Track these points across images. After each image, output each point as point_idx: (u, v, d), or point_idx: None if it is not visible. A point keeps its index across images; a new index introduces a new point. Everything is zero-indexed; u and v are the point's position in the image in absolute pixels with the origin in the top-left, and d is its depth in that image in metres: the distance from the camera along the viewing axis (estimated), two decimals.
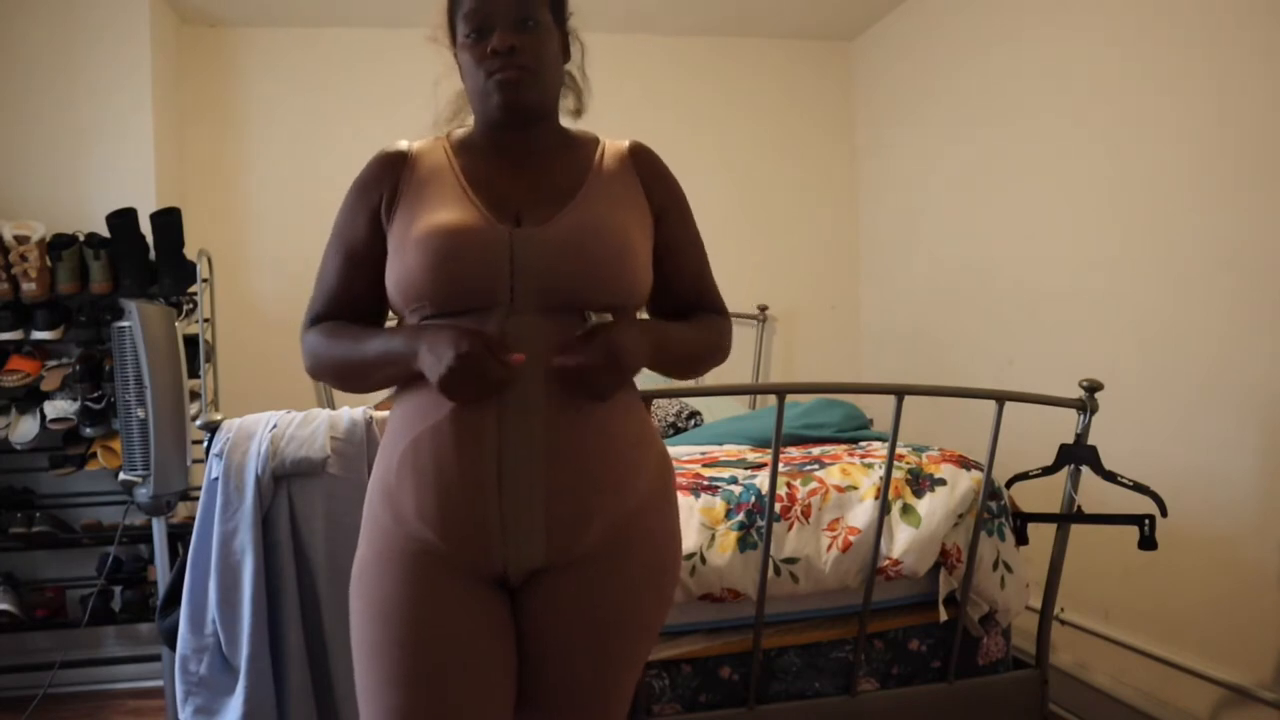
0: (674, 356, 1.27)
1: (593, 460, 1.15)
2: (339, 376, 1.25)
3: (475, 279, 1.13)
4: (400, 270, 1.16)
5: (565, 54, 1.29)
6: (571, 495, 1.14)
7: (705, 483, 2.08)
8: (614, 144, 1.30)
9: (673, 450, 2.62)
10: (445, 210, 1.16)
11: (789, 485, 2.05)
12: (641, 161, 1.29)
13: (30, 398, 3.07)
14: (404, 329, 1.17)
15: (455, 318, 1.14)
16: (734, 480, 2.08)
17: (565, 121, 1.31)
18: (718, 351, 1.36)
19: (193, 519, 1.98)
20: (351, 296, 1.25)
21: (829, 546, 2.00)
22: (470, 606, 1.15)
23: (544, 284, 1.14)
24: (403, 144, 1.26)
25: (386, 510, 1.18)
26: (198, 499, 1.98)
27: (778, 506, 1.99)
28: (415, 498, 1.14)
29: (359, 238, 1.23)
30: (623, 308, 1.20)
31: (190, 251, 3.20)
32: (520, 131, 1.23)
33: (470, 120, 1.30)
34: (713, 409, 3.36)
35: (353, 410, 2.03)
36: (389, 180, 1.22)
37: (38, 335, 3.07)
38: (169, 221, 3.10)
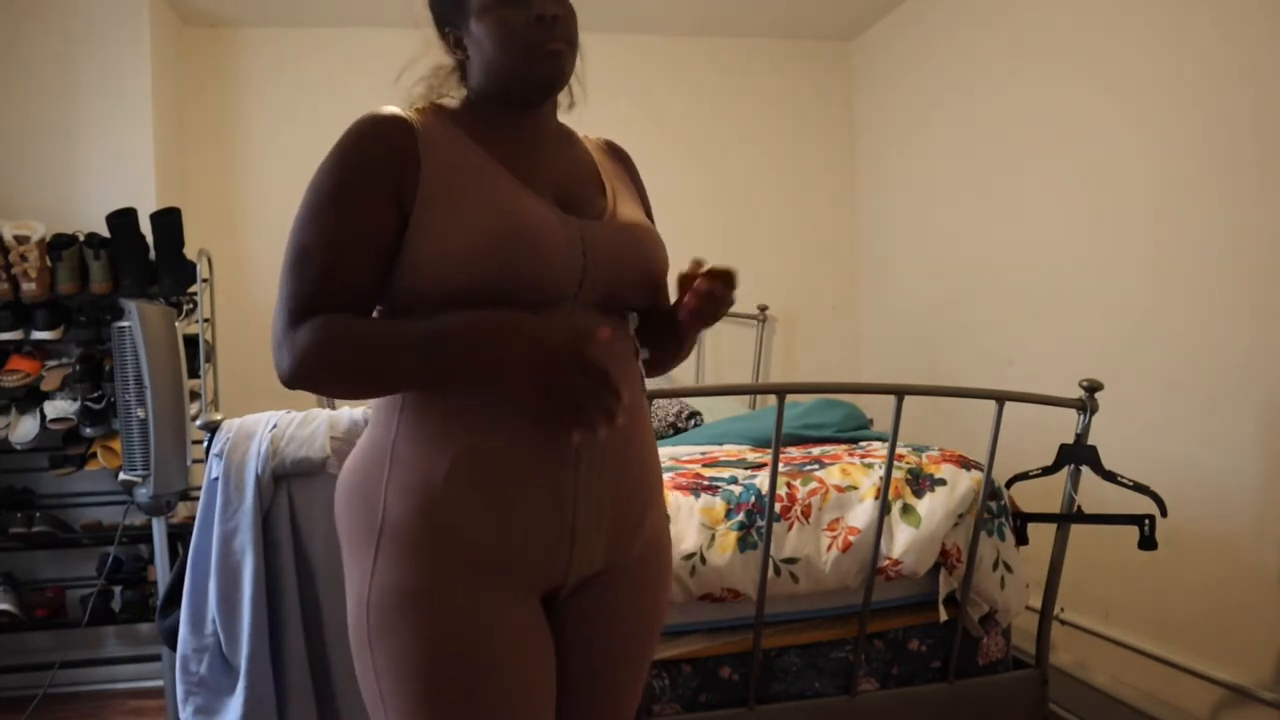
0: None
1: (644, 464, 1.16)
2: (351, 379, 1.04)
3: (555, 273, 1.05)
4: (456, 259, 1.01)
5: None
6: (631, 499, 1.13)
7: (705, 483, 2.08)
8: (593, 138, 1.28)
9: (673, 450, 2.63)
10: (509, 199, 1.06)
11: (789, 485, 2.05)
12: (625, 159, 1.30)
13: (30, 398, 3.07)
14: (460, 318, 1.00)
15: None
16: (734, 480, 2.08)
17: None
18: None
19: (193, 519, 1.98)
20: (352, 280, 1.04)
21: (829, 546, 2.00)
22: (526, 626, 1.08)
23: (610, 279, 1.10)
24: (394, 110, 1.10)
25: (430, 528, 1.04)
26: (198, 499, 1.98)
27: (778, 506, 1.99)
28: (481, 513, 1.04)
29: (366, 213, 1.04)
30: (652, 306, 1.21)
31: (190, 251, 3.20)
32: (535, 110, 1.16)
33: (443, 97, 1.17)
34: (713, 409, 3.36)
35: (353, 410, 2.03)
36: (405, 153, 1.06)
37: (38, 335, 3.07)
38: (169, 221, 3.11)
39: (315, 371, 1.03)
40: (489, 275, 1.01)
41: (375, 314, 1.11)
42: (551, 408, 0.98)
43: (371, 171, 1.05)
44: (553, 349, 0.97)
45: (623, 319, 1.14)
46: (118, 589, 3.18)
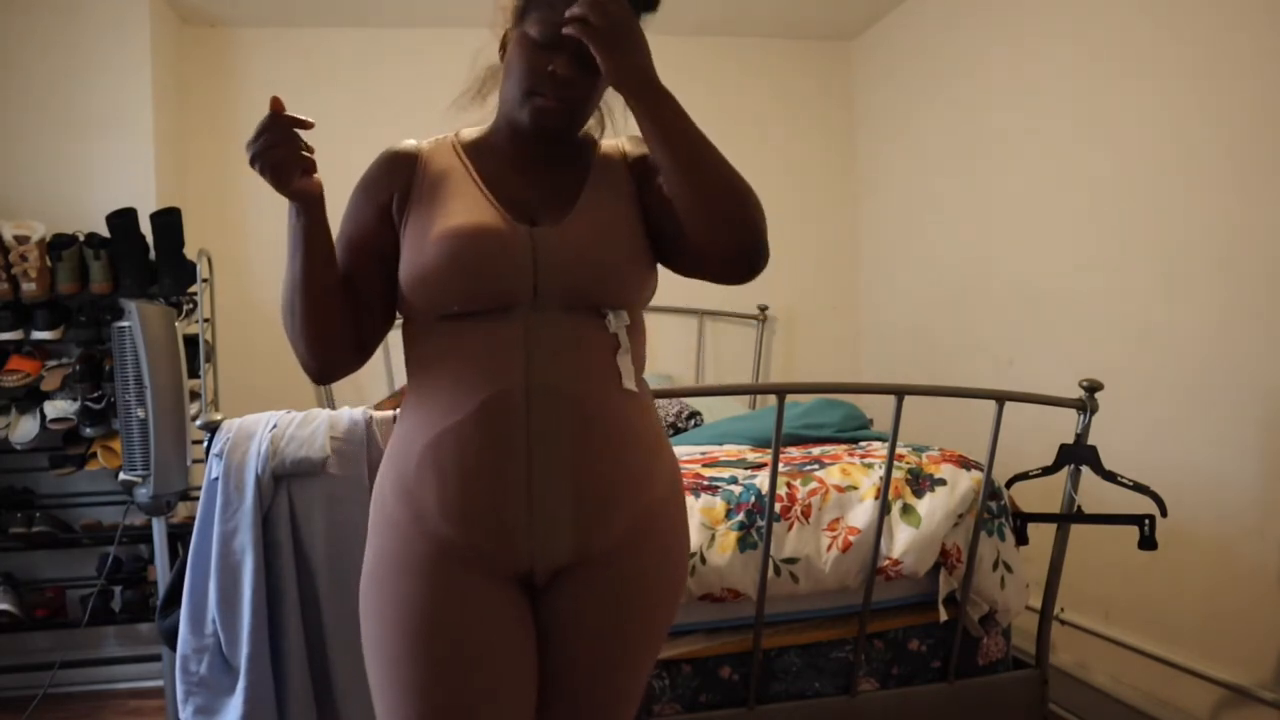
0: (683, 120, 1.12)
1: (618, 457, 1.16)
2: (292, 304, 1.16)
3: (500, 279, 1.12)
4: (419, 269, 1.14)
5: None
6: (598, 492, 1.14)
7: (705, 483, 2.08)
8: (610, 143, 1.30)
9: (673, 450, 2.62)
10: (466, 211, 1.16)
11: (789, 485, 2.05)
12: (631, 151, 1.29)
13: (30, 398, 3.07)
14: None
15: (477, 317, 1.13)
16: (734, 480, 2.08)
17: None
18: (738, 179, 1.16)
19: (193, 519, 1.98)
20: (354, 277, 1.21)
21: (829, 546, 2.00)
22: (495, 608, 1.14)
23: (566, 282, 1.14)
24: (410, 143, 1.26)
25: (405, 510, 1.15)
26: (198, 499, 1.98)
27: (778, 506, 1.99)
28: (439, 495, 1.12)
29: (365, 228, 1.21)
30: (636, 303, 1.21)
31: (190, 251, 3.20)
32: (539, 142, 1.23)
33: (492, 103, 1.27)
34: (713, 409, 3.36)
35: (353, 410, 2.04)
36: (400, 177, 1.22)
37: (38, 335, 3.07)
38: (169, 221, 3.11)
39: (285, 319, 1.18)
40: (442, 283, 1.13)
41: (402, 328, 1.24)
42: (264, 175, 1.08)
43: (368, 200, 1.22)
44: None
45: (598, 317, 1.16)
46: (118, 589, 3.18)
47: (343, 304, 1.19)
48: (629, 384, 1.17)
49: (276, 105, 1.07)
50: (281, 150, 1.06)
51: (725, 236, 1.14)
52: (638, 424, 1.19)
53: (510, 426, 1.11)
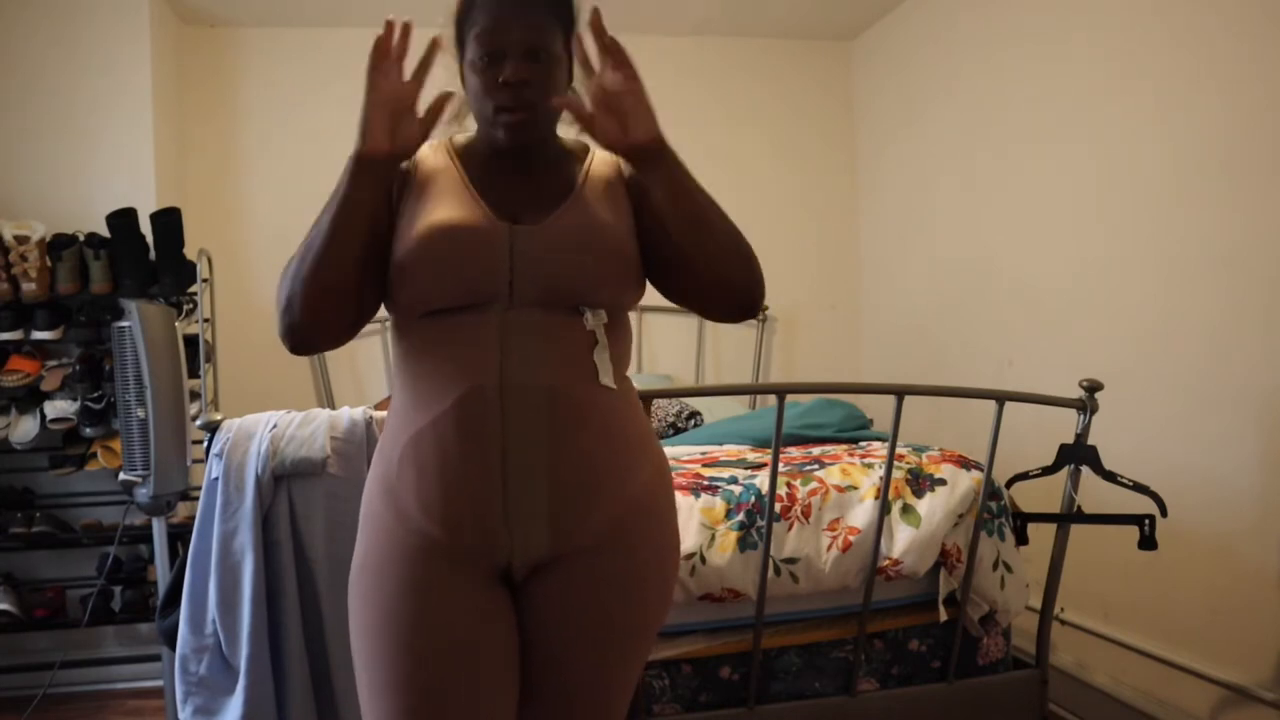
0: (692, 184, 1.18)
1: (595, 452, 1.17)
2: (311, 271, 1.12)
3: (475, 274, 1.14)
4: (399, 261, 1.16)
5: (571, 77, 1.27)
6: (574, 485, 1.16)
7: (705, 483, 2.08)
8: (609, 157, 1.30)
9: (673, 450, 2.62)
10: (448, 208, 1.17)
11: (789, 485, 2.05)
12: (629, 169, 1.28)
13: (30, 398, 3.07)
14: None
15: (456, 313, 1.15)
16: (734, 480, 2.08)
17: (563, 129, 1.29)
18: (742, 244, 1.20)
19: (193, 519, 1.99)
20: None
21: (829, 546, 2.01)
22: (476, 604, 1.16)
23: (543, 280, 1.15)
24: None
25: (388, 508, 1.17)
26: (198, 499, 1.98)
27: (778, 506, 1.99)
28: (418, 491, 1.14)
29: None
30: (617, 305, 1.22)
31: (190, 251, 3.20)
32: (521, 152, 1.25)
33: (470, 123, 1.30)
34: (713, 409, 3.36)
35: (353, 410, 2.04)
36: (400, 175, 1.23)
37: (38, 335, 3.07)
38: (169, 221, 3.11)
39: (292, 288, 1.14)
40: (420, 275, 1.14)
41: (390, 326, 1.25)
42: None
43: None
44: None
45: (576, 316, 1.17)
46: (118, 589, 3.18)
47: (360, 272, 1.16)
48: (605, 380, 1.18)
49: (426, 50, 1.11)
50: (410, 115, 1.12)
51: (727, 289, 1.21)
52: (618, 419, 1.20)
53: (485, 422, 1.13)
